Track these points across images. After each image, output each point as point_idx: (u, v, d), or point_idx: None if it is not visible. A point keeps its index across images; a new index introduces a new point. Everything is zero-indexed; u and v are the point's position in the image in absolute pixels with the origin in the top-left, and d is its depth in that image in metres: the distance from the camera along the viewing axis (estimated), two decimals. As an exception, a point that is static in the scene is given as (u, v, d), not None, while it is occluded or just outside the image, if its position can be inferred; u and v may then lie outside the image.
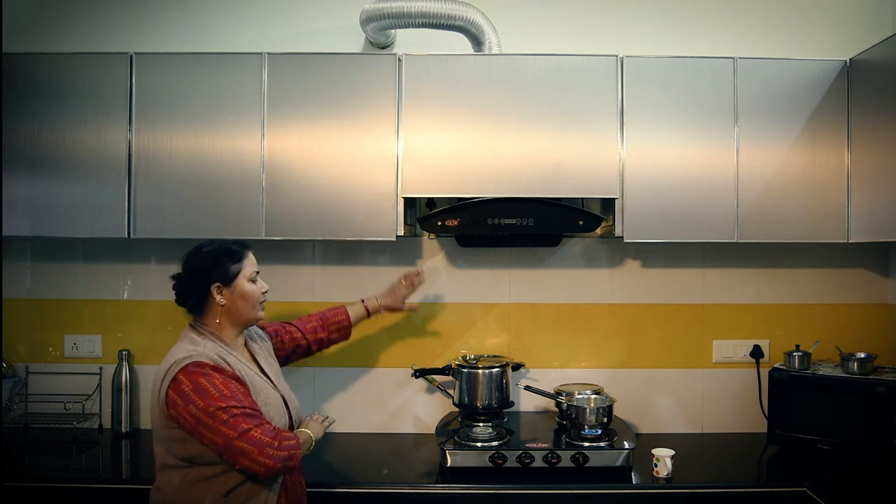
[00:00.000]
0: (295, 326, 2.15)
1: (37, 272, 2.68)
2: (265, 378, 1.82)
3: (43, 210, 2.31)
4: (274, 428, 1.66)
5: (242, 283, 1.78)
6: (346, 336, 2.26)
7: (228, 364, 1.70)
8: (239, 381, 1.68)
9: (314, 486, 2.04)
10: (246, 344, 1.87)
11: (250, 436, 1.59)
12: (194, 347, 1.70)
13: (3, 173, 2.27)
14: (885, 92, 2.14)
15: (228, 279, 1.77)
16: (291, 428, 1.84)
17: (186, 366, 1.63)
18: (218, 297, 1.77)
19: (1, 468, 2.16)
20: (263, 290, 1.83)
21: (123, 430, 2.55)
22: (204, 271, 1.76)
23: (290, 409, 1.84)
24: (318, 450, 2.40)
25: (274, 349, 2.02)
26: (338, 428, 2.60)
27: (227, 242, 1.83)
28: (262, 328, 2.04)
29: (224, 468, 1.64)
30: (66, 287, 2.67)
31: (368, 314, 2.30)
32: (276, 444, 1.62)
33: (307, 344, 2.15)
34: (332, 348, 2.64)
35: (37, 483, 2.11)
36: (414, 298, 2.47)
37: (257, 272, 1.83)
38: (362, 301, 2.29)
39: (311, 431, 1.81)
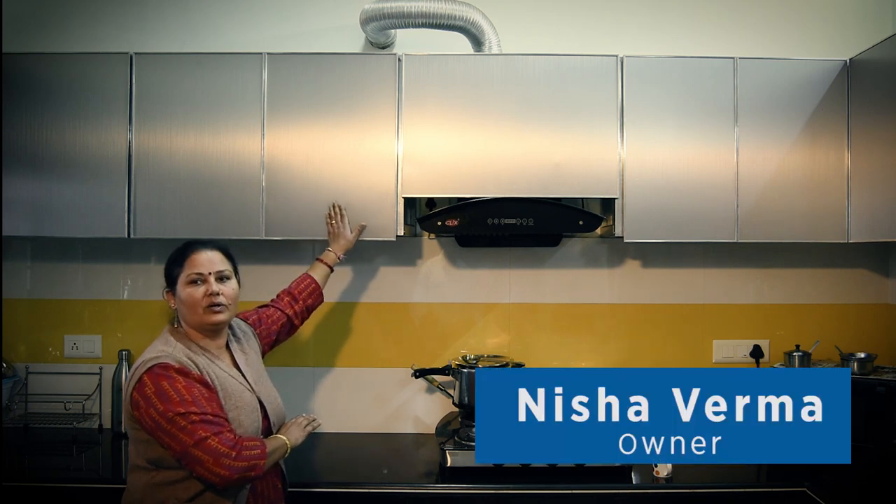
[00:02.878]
0: (273, 307, 2.11)
1: (37, 272, 2.68)
2: (242, 380, 1.77)
3: (43, 210, 2.31)
4: (235, 437, 1.62)
5: (181, 287, 1.72)
6: (320, 298, 2.23)
7: (198, 367, 1.66)
8: (206, 385, 1.65)
9: (312, 486, 2.04)
10: (228, 343, 1.83)
11: (207, 444, 1.56)
12: (164, 348, 1.68)
13: (3, 173, 2.27)
14: (885, 92, 2.14)
15: (173, 283, 1.75)
16: (269, 432, 1.78)
17: (152, 367, 1.61)
18: (170, 302, 1.77)
19: (1, 468, 2.15)
20: (210, 293, 1.71)
21: (123, 430, 2.52)
22: (164, 276, 1.78)
23: (269, 412, 1.79)
24: (318, 450, 2.41)
25: (261, 339, 1.98)
26: (338, 428, 2.60)
27: (186, 243, 1.78)
28: (245, 319, 1.99)
29: (188, 473, 1.62)
30: (66, 287, 2.67)
31: (331, 268, 2.27)
32: (234, 454, 1.58)
33: (288, 319, 2.11)
34: (332, 346, 2.65)
35: (37, 483, 2.12)
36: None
37: (200, 274, 1.72)
38: (319, 259, 2.26)
39: (287, 437, 1.76)
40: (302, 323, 2.19)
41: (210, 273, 1.73)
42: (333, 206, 2.28)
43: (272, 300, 2.16)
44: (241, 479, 1.61)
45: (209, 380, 1.67)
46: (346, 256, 2.29)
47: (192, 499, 1.63)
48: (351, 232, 2.28)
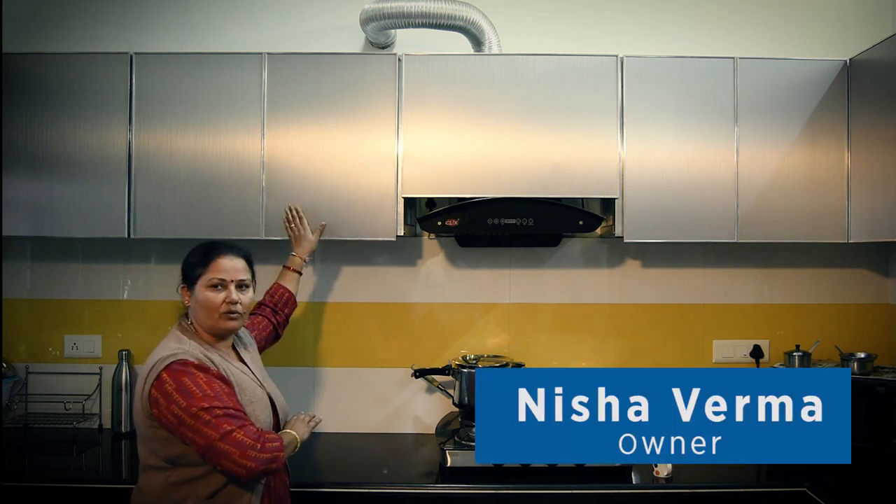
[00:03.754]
0: (261, 316, 2.14)
1: (37, 272, 2.68)
2: (253, 376, 1.79)
3: (43, 210, 2.31)
4: (257, 430, 1.64)
5: (200, 288, 1.73)
6: (295, 304, 2.25)
7: (213, 363, 1.68)
8: (224, 380, 1.66)
9: (313, 486, 2.05)
10: (234, 344, 1.84)
11: (233, 437, 1.57)
12: (179, 346, 1.68)
13: (3, 173, 2.27)
14: (885, 92, 2.14)
15: (191, 282, 1.75)
16: (277, 427, 1.81)
17: (171, 364, 1.61)
18: (184, 299, 1.77)
19: (1, 468, 2.15)
20: (229, 300, 1.72)
21: (123, 430, 2.54)
22: (182, 270, 1.78)
23: (277, 408, 1.82)
24: (318, 450, 2.42)
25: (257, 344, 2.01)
26: (338, 428, 2.60)
27: (211, 244, 1.79)
28: None
29: (206, 470, 1.62)
30: (66, 287, 2.67)
31: (300, 272, 2.27)
32: (259, 445, 1.60)
33: (274, 328, 2.16)
34: (332, 346, 2.66)
35: (37, 483, 2.12)
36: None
37: (222, 280, 1.73)
38: (286, 267, 2.26)
39: (296, 432, 1.78)
40: (283, 332, 2.22)
41: (232, 281, 1.74)
42: (291, 209, 2.27)
43: (255, 310, 2.17)
44: (265, 470, 1.62)
45: (225, 375, 1.68)
46: (311, 258, 2.28)
47: (213, 495, 1.63)
48: (312, 233, 2.27)
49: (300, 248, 2.26)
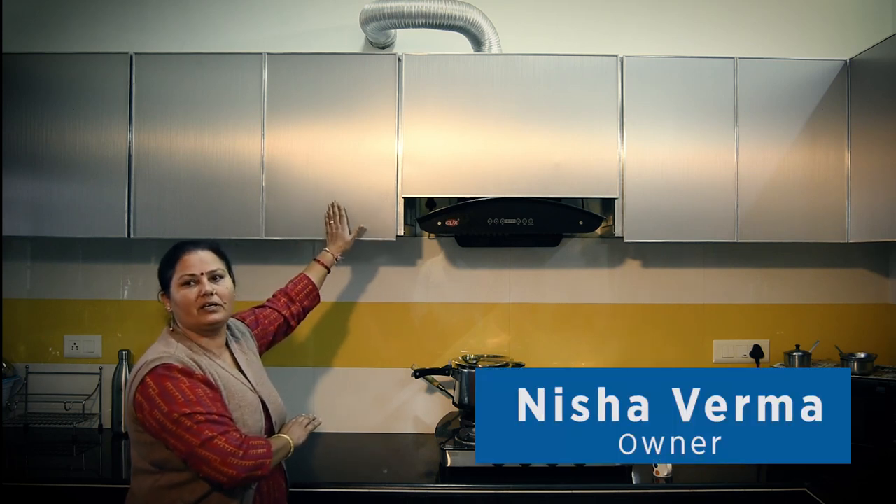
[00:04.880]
0: (270, 308, 2.10)
1: (37, 272, 2.68)
2: (244, 380, 1.76)
3: (43, 210, 2.31)
4: (241, 436, 1.61)
5: (174, 289, 1.72)
6: (317, 299, 2.22)
7: (200, 367, 1.66)
8: (209, 385, 1.64)
9: (312, 486, 2.05)
10: (227, 343, 1.82)
11: (213, 444, 1.55)
12: (166, 349, 1.66)
13: (3, 173, 2.27)
14: (885, 92, 2.14)
15: (166, 286, 1.74)
16: (271, 432, 1.78)
17: (155, 368, 1.60)
18: (166, 305, 1.76)
19: (1, 468, 2.15)
20: (202, 293, 1.69)
21: (123, 430, 2.53)
22: (158, 278, 1.77)
23: (271, 411, 1.78)
24: (317, 450, 2.42)
25: (258, 340, 1.97)
26: (337, 428, 2.60)
27: (176, 244, 1.77)
28: (242, 320, 1.99)
29: (192, 475, 1.60)
30: (66, 287, 2.67)
31: (328, 269, 2.26)
32: (241, 453, 1.57)
33: (285, 320, 2.11)
34: (332, 346, 2.65)
35: (37, 483, 2.12)
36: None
37: (192, 275, 1.71)
38: (316, 260, 2.25)
39: (290, 436, 1.76)
40: (298, 324, 2.18)
41: (202, 273, 1.72)
42: (333, 206, 2.27)
43: (268, 300, 2.15)
44: (248, 478, 1.60)
45: (212, 379, 1.66)
46: (343, 258, 2.29)
47: (199, 501, 1.62)
48: (350, 233, 2.28)
49: (334, 245, 2.26)
